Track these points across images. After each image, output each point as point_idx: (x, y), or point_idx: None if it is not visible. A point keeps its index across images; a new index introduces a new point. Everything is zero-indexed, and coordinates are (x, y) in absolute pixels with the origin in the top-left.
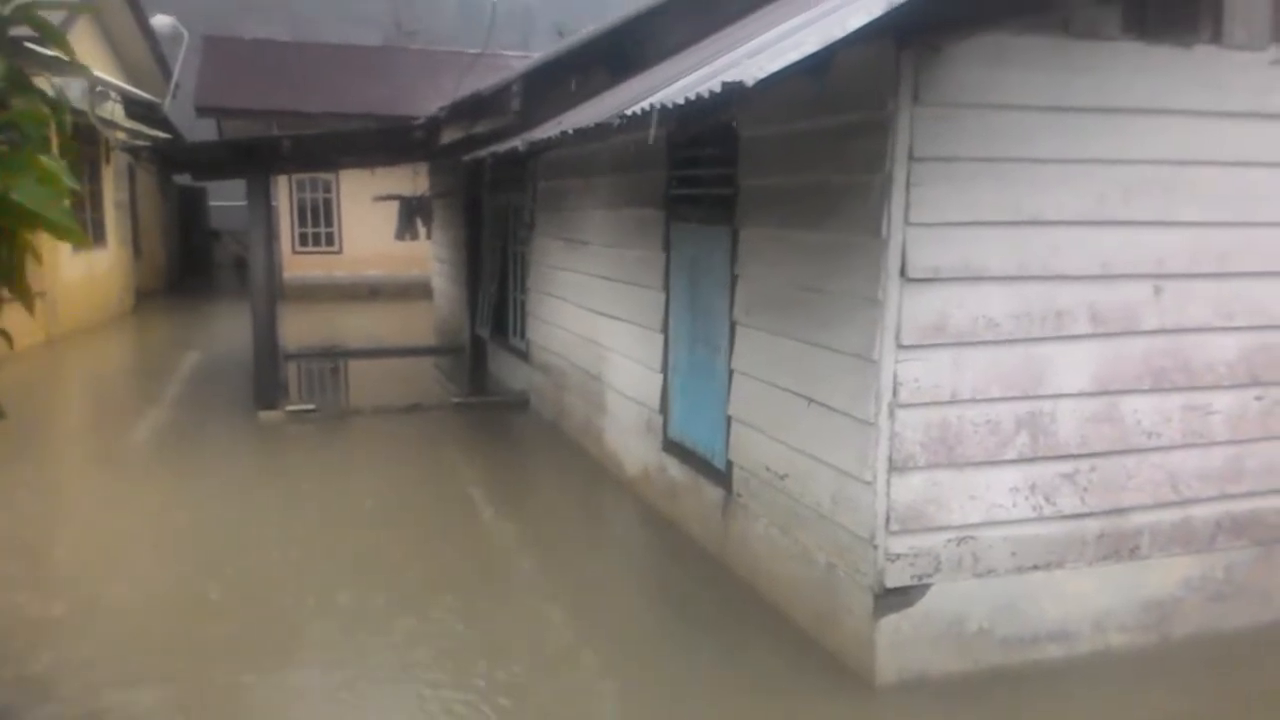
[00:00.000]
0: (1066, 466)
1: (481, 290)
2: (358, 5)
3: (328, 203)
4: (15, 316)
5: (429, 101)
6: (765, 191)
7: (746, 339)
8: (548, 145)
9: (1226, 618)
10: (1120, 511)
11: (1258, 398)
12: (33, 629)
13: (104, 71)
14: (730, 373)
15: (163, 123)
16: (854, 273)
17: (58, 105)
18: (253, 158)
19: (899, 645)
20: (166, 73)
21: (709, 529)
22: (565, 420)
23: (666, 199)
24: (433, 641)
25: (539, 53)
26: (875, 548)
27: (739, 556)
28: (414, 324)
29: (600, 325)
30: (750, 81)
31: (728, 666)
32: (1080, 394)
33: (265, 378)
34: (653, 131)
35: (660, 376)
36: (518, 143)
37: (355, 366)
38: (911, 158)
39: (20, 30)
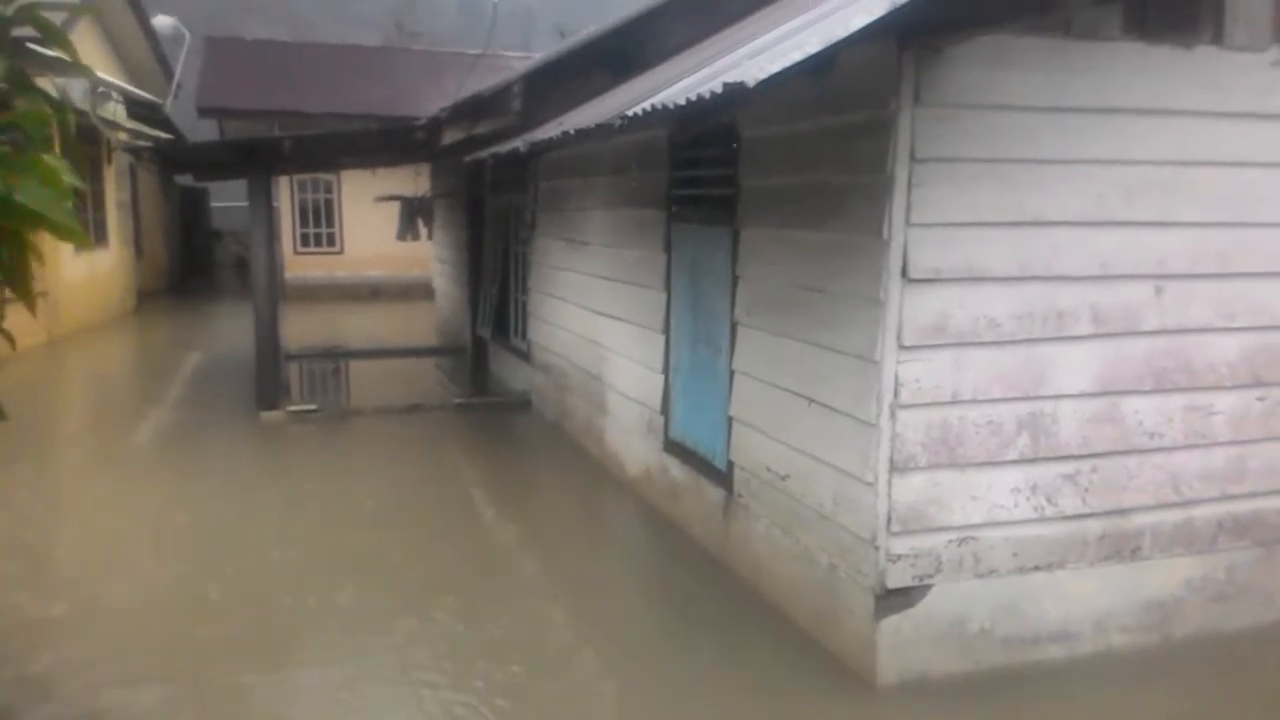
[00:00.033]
0: (1068, 467)
1: (483, 291)
2: (359, 6)
3: (329, 203)
4: (17, 317)
5: (430, 102)
6: (766, 192)
7: (747, 339)
8: (549, 146)
9: (1228, 618)
10: (1122, 512)
11: (1259, 398)
12: (33, 629)
13: (106, 72)
14: (731, 373)
15: (164, 123)
16: (855, 273)
17: (60, 106)
18: (254, 158)
19: (900, 646)
20: (168, 73)
21: (710, 529)
22: (566, 421)
23: (668, 199)
24: (433, 642)
25: (540, 53)
26: (876, 548)
27: (740, 557)
28: (415, 324)
29: (601, 326)
30: (752, 82)
31: (729, 667)
32: (1082, 394)
33: (267, 378)
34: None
35: (661, 377)
36: (519, 143)
37: (356, 367)
38: (913, 158)
39: (23, 31)
